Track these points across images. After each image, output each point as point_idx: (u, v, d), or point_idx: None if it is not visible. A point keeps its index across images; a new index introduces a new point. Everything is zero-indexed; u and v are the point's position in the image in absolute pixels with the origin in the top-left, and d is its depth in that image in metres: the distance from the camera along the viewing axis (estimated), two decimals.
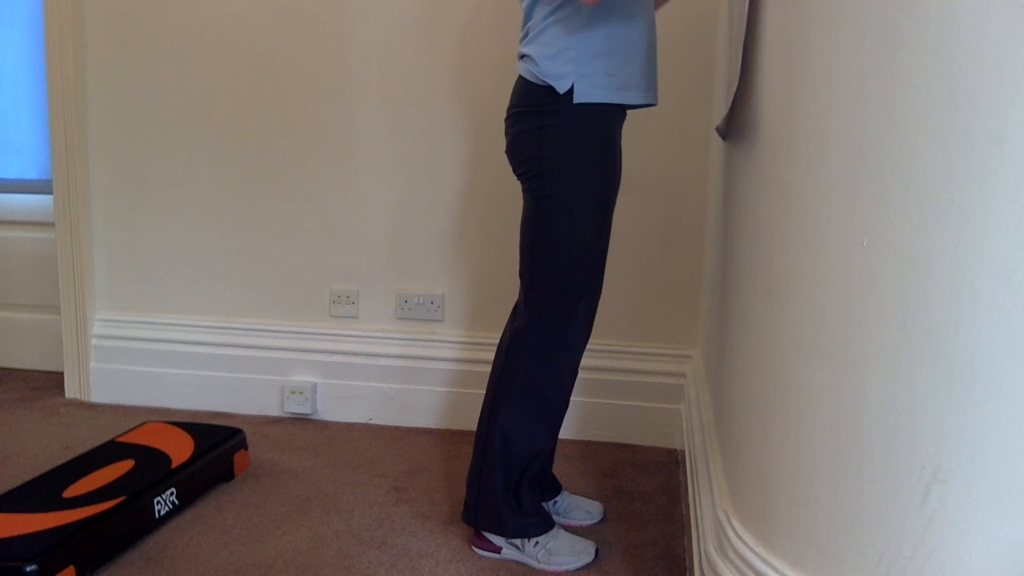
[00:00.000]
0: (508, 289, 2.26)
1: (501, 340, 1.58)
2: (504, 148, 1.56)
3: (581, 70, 1.40)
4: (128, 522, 1.57)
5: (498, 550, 1.56)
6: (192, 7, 2.31)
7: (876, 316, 0.76)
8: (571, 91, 1.40)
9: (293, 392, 2.34)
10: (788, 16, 0.92)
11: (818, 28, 0.82)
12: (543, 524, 1.55)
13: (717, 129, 1.59)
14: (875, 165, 0.75)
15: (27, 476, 1.90)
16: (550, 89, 1.41)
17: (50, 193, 2.61)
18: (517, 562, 1.55)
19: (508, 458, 1.54)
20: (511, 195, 2.22)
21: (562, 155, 1.43)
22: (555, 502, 1.72)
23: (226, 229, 2.38)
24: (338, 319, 2.36)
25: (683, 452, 2.04)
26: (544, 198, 1.46)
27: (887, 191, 0.74)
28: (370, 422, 2.35)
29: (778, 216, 0.93)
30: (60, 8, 2.34)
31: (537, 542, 1.53)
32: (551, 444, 1.59)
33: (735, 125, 1.35)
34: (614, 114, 1.46)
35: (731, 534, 1.01)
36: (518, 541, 1.54)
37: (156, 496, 1.65)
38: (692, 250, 2.17)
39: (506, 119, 1.52)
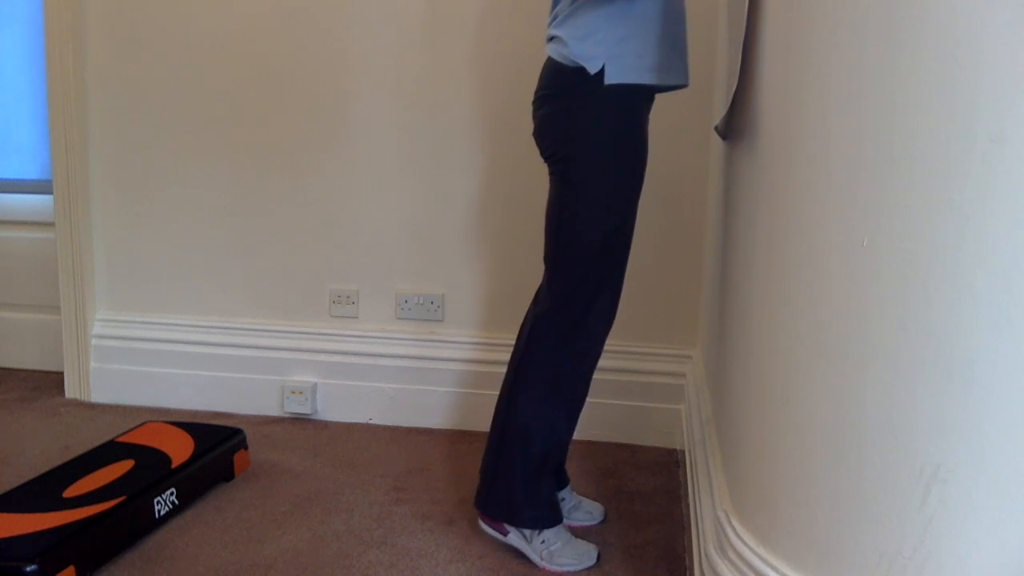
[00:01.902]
0: (509, 288, 2.26)
1: (522, 326, 1.56)
2: (531, 131, 1.53)
3: (612, 51, 1.39)
4: (128, 522, 1.57)
5: (505, 532, 1.56)
6: (193, 6, 2.30)
7: (876, 316, 0.75)
8: (602, 72, 1.39)
9: (293, 392, 2.34)
10: (788, 16, 0.92)
11: (818, 28, 0.82)
12: (553, 517, 1.54)
13: (716, 129, 1.59)
14: (875, 165, 0.75)
15: (27, 476, 1.89)
16: (580, 70, 1.40)
17: (50, 193, 2.61)
18: (518, 549, 1.55)
19: (527, 446, 1.52)
20: (512, 195, 2.22)
21: (590, 137, 1.42)
22: (562, 498, 1.72)
23: (226, 229, 2.38)
24: (338, 319, 2.36)
25: (683, 452, 2.04)
26: (570, 182, 1.44)
27: (887, 191, 0.74)
28: (370, 422, 2.35)
29: (778, 216, 0.93)
30: (60, 8, 2.34)
31: (544, 539, 1.53)
32: (569, 435, 1.57)
33: (735, 125, 1.35)
34: (643, 97, 1.45)
35: (731, 534, 1.01)
36: (527, 531, 1.54)
37: (156, 496, 1.65)
38: (692, 250, 2.17)
39: (533, 101, 1.50)
